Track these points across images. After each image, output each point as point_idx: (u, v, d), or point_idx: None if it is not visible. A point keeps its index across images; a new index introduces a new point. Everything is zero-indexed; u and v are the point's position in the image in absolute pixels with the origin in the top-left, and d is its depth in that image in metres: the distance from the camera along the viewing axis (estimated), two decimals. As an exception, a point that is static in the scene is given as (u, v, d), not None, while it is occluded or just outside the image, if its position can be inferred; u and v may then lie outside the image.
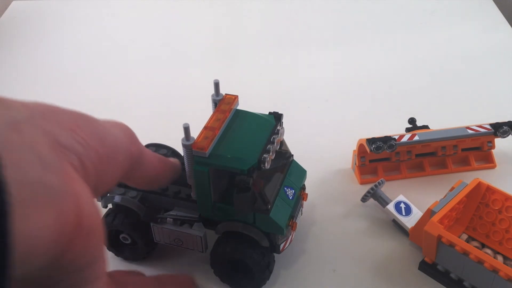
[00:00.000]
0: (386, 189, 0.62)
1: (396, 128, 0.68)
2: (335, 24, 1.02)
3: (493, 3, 1.06)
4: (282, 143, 0.54)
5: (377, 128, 0.70)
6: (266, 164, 0.47)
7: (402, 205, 0.59)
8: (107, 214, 0.55)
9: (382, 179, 0.61)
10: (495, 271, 0.48)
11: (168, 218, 0.52)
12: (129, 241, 0.56)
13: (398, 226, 0.60)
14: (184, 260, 0.58)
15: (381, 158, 0.66)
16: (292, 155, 0.56)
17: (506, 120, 0.65)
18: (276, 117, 0.51)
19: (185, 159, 0.49)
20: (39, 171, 0.29)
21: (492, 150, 0.68)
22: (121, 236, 0.55)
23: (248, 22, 1.03)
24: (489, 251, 0.55)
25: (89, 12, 1.08)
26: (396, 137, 0.62)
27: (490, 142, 0.67)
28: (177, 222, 0.53)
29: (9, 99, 0.31)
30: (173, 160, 0.50)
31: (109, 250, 0.57)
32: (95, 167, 0.35)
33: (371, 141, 0.61)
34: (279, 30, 1.00)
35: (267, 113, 0.52)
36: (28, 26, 1.04)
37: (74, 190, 0.31)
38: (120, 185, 0.54)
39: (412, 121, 0.69)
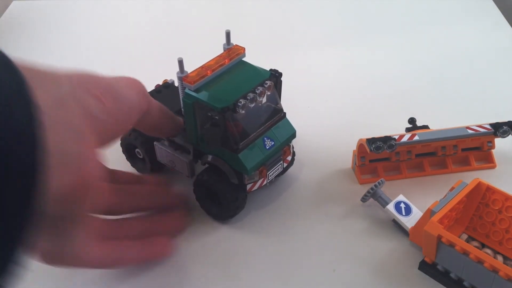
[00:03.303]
0: (386, 189, 0.62)
1: (396, 128, 0.68)
2: (334, 24, 1.02)
3: (493, 3, 1.06)
4: (277, 100, 0.59)
5: (377, 128, 0.70)
6: (241, 108, 0.53)
7: (402, 205, 0.59)
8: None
9: (382, 179, 0.61)
10: (495, 271, 0.48)
11: (166, 141, 0.62)
12: (141, 156, 0.66)
13: (398, 226, 0.60)
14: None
15: (381, 158, 0.66)
16: (284, 113, 0.60)
17: (506, 120, 0.65)
18: (272, 74, 0.57)
19: (179, 91, 0.57)
20: (71, 144, 0.37)
21: (492, 150, 0.68)
22: (136, 150, 0.66)
23: (246, 23, 1.03)
24: (489, 251, 0.55)
25: (89, 12, 1.08)
26: (396, 137, 0.62)
27: (490, 142, 0.67)
28: (172, 146, 0.61)
29: (56, 72, 0.40)
30: (176, 116, 0.58)
31: (127, 160, 0.68)
32: (113, 129, 0.45)
33: (371, 141, 0.61)
34: (278, 30, 1.01)
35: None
36: (28, 26, 1.04)
37: (90, 158, 0.40)
38: None
39: (412, 121, 0.69)
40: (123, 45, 0.97)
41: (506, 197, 0.55)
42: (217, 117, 0.53)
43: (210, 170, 0.59)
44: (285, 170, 0.64)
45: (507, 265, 0.49)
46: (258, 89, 0.55)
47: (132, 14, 1.08)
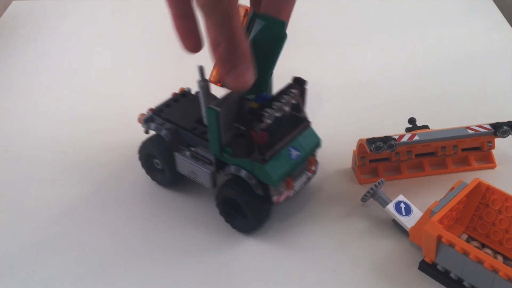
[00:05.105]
0: (386, 189, 0.62)
1: (396, 128, 0.68)
2: (333, 24, 1.02)
3: (493, 3, 1.06)
4: (301, 109, 0.58)
5: (377, 128, 0.70)
6: (267, 118, 0.51)
7: (402, 205, 0.59)
8: (146, 140, 0.63)
9: (382, 179, 0.61)
10: (495, 271, 0.48)
11: (187, 152, 0.60)
12: (160, 167, 0.64)
13: (398, 226, 0.60)
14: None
15: (381, 158, 0.66)
16: (309, 121, 0.59)
17: (506, 120, 0.65)
18: (297, 82, 0.56)
19: (200, 99, 0.55)
20: None
21: (492, 150, 0.68)
22: (154, 161, 0.64)
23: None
24: (489, 251, 0.55)
25: (89, 11, 1.08)
26: (396, 137, 0.62)
27: (490, 142, 0.67)
28: (194, 157, 0.59)
29: None
30: None
31: (147, 174, 0.66)
32: None
33: (371, 141, 0.61)
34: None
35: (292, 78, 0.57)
36: (28, 26, 1.04)
37: None
38: (160, 116, 0.62)
39: (412, 121, 0.69)
40: (125, 44, 0.97)
41: (506, 197, 0.55)
42: (243, 128, 0.51)
43: (233, 181, 0.57)
44: (309, 179, 0.62)
45: (507, 265, 0.49)
46: (284, 98, 0.53)
47: (137, 16, 1.08)
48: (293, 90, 0.55)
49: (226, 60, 0.47)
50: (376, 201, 0.61)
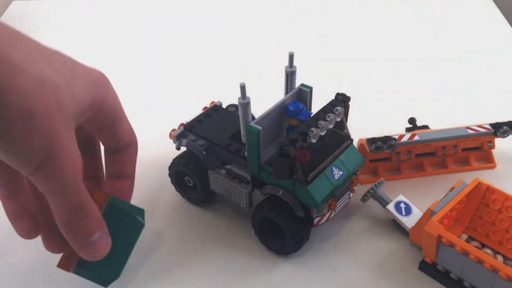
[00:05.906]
0: (386, 189, 0.62)
1: (396, 128, 0.68)
2: (334, 24, 1.02)
3: (493, 3, 1.06)
4: (344, 126, 0.56)
5: (377, 128, 0.70)
6: (312, 137, 0.50)
7: (402, 205, 0.59)
8: (177, 157, 0.61)
9: (382, 179, 0.61)
10: (495, 271, 0.48)
11: (222, 170, 0.57)
12: (191, 184, 0.62)
13: (398, 226, 0.60)
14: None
15: (381, 158, 0.66)
16: (352, 139, 0.57)
17: (506, 120, 0.65)
18: (340, 99, 0.55)
19: (240, 118, 0.53)
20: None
21: (492, 150, 0.68)
22: (185, 178, 0.62)
23: (246, 22, 1.03)
24: (489, 251, 0.55)
25: (89, 12, 1.08)
26: (396, 137, 0.62)
27: (490, 142, 0.67)
28: (229, 175, 0.57)
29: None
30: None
31: (177, 191, 0.64)
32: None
33: (371, 141, 0.61)
34: (277, 29, 1.01)
35: (335, 94, 0.56)
36: (28, 26, 1.04)
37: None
38: (191, 132, 0.60)
39: (412, 121, 0.69)
40: (125, 44, 0.97)
41: (506, 197, 0.55)
42: (287, 148, 0.49)
43: (271, 201, 0.55)
44: (349, 199, 0.60)
45: (507, 265, 0.49)
46: (329, 116, 0.51)
47: (131, 13, 1.08)
48: (338, 108, 0.53)
49: (78, 231, 0.45)
50: (376, 201, 0.61)
